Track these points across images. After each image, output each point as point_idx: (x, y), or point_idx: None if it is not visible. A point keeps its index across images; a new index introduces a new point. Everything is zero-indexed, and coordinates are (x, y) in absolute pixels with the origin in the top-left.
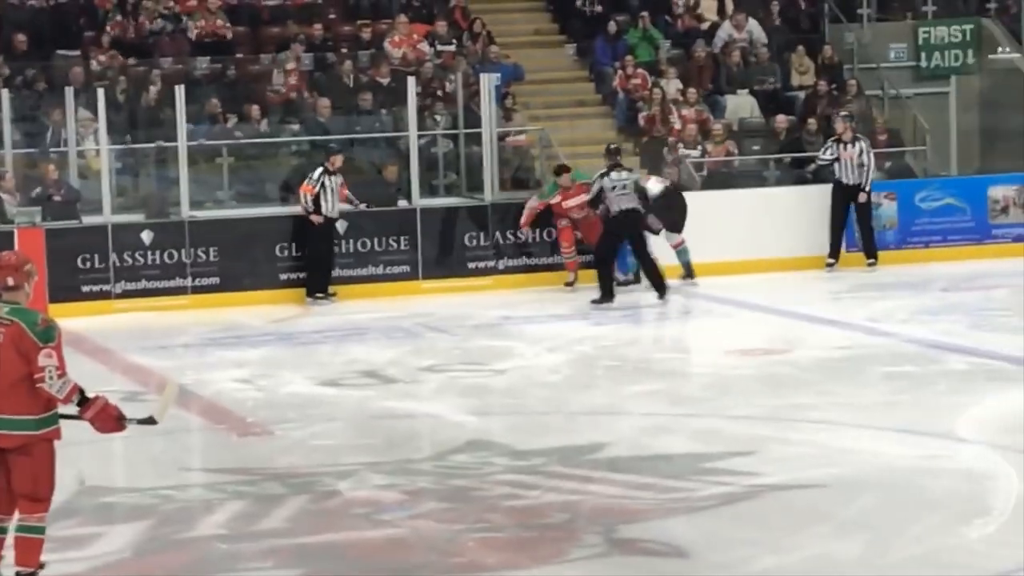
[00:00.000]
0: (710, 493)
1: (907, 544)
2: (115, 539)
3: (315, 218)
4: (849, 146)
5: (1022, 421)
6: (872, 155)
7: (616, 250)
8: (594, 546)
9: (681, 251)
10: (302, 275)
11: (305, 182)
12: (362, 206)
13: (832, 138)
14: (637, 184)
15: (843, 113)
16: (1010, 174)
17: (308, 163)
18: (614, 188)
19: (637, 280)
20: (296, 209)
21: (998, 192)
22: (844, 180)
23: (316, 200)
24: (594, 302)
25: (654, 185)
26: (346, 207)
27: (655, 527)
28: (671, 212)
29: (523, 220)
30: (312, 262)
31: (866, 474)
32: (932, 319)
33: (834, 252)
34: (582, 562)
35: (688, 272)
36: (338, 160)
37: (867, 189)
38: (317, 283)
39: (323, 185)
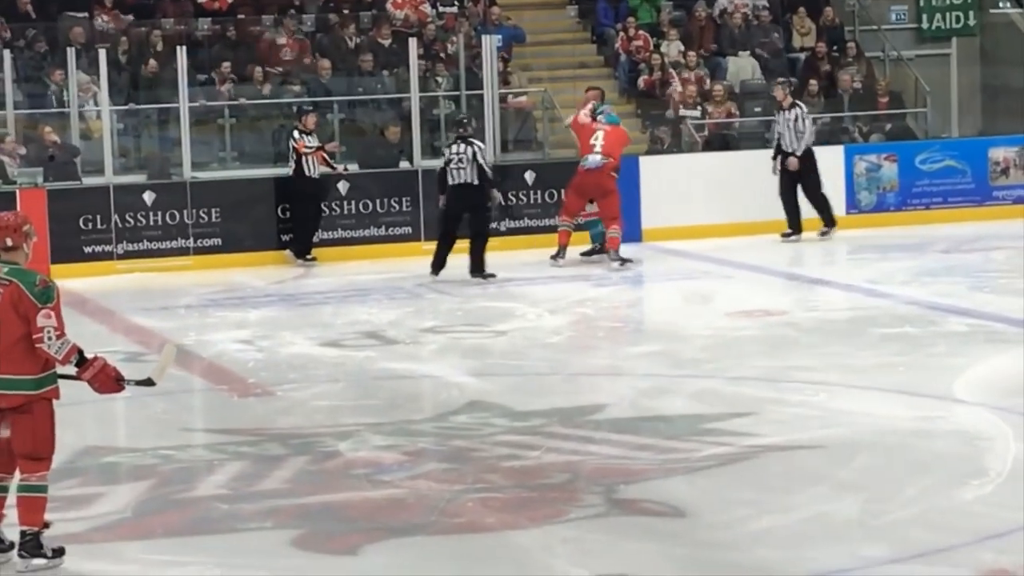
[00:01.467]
0: (709, 454)
1: (903, 505)
2: (116, 499)
3: (331, 146)
4: (786, 112)
5: (1020, 383)
6: (810, 120)
7: (450, 225)
8: (594, 506)
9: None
10: (290, 236)
11: (292, 143)
12: (341, 168)
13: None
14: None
15: (780, 80)
16: (1010, 136)
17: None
18: (450, 161)
19: (603, 250)
20: (284, 171)
21: (999, 154)
22: (785, 147)
23: (298, 162)
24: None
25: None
26: (326, 169)
27: (654, 487)
28: None
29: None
30: (298, 224)
31: (863, 435)
32: (932, 281)
33: (793, 222)
34: (582, 522)
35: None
36: (311, 120)
37: (798, 154)
38: (304, 244)
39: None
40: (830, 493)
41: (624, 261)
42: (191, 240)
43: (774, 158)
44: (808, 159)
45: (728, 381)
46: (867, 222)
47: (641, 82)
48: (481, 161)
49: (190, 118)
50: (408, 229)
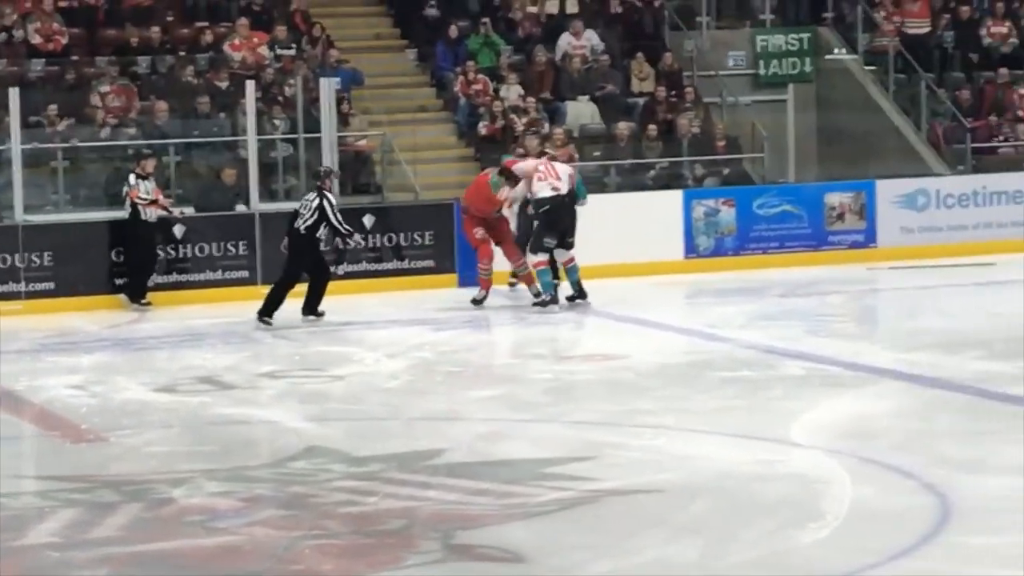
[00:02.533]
0: (548, 498)
1: (742, 548)
2: None
3: (164, 202)
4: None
5: (856, 426)
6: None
7: (296, 271)
8: (431, 552)
9: (572, 269)
10: (125, 280)
11: (127, 188)
12: (177, 212)
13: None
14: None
15: (533, 129)
16: (846, 181)
17: (123, 169)
18: (303, 206)
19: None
20: (119, 214)
21: (834, 199)
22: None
23: (134, 205)
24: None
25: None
26: (162, 213)
27: (493, 533)
28: (553, 225)
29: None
30: (133, 267)
31: (702, 479)
32: (769, 324)
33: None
34: (419, 568)
35: (581, 292)
36: (149, 164)
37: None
38: (138, 288)
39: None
40: (669, 537)
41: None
42: (23, 284)
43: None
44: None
45: (568, 425)
46: (705, 267)
47: (482, 128)
48: (328, 213)
49: (22, 160)
50: (245, 273)
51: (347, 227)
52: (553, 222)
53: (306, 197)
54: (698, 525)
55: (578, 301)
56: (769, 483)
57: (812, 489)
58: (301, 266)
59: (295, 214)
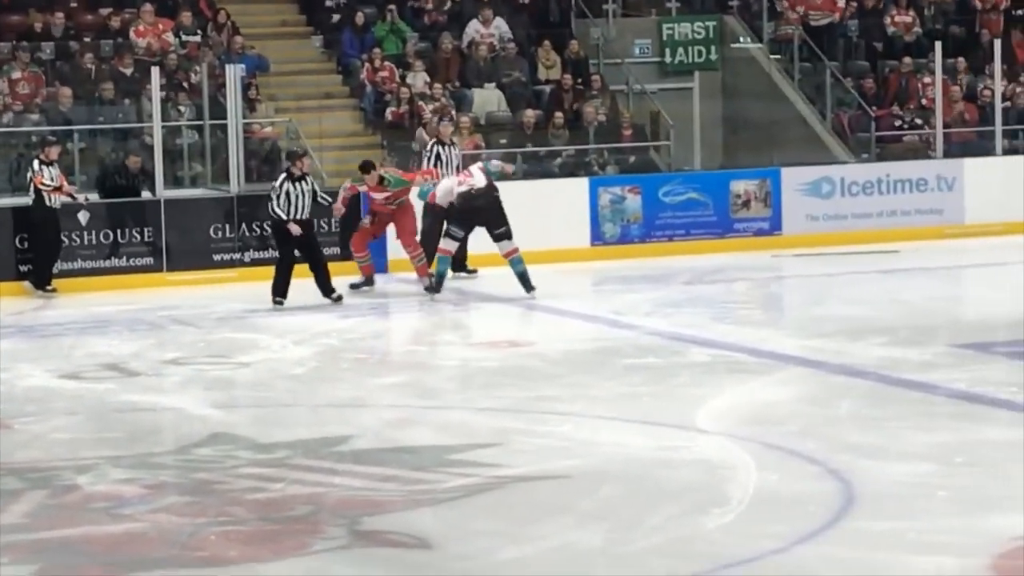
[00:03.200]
0: (454, 485)
1: (647, 534)
2: None
3: (67, 190)
4: (452, 149)
5: (760, 412)
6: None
7: (290, 255)
8: (337, 538)
9: (515, 260)
10: (29, 267)
11: (31, 175)
12: (81, 198)
13: (433, 140)
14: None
15: (447, 118)
16: (751, 169)
17: (27, 155)
18: (290, 192)
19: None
20: (22, 200)
21: (740, 187)
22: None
23: (38, 191)
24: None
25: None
26: (67, 199)
27: (399, 519)
28: (465, 216)
29: (338, 202)
30: (37, 254)
31: (608, 465)
32: (675, 312)
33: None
34: (325, 554)
35: (525, 284)
36: (54, 151)
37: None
38: (43, 275)
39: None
40: (575, 523)
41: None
42: None
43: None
44: None
45: (474, 412)
46: (611, 254)
47: (389, 114)
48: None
49: None
50: (150, 260)
51: (278, 213)
52: (466, 212)
53: (288, 183)
54: (604, 511)
55: (530, 294)
56: (674, 469)
57: (717, 475)
58: (289, 249)
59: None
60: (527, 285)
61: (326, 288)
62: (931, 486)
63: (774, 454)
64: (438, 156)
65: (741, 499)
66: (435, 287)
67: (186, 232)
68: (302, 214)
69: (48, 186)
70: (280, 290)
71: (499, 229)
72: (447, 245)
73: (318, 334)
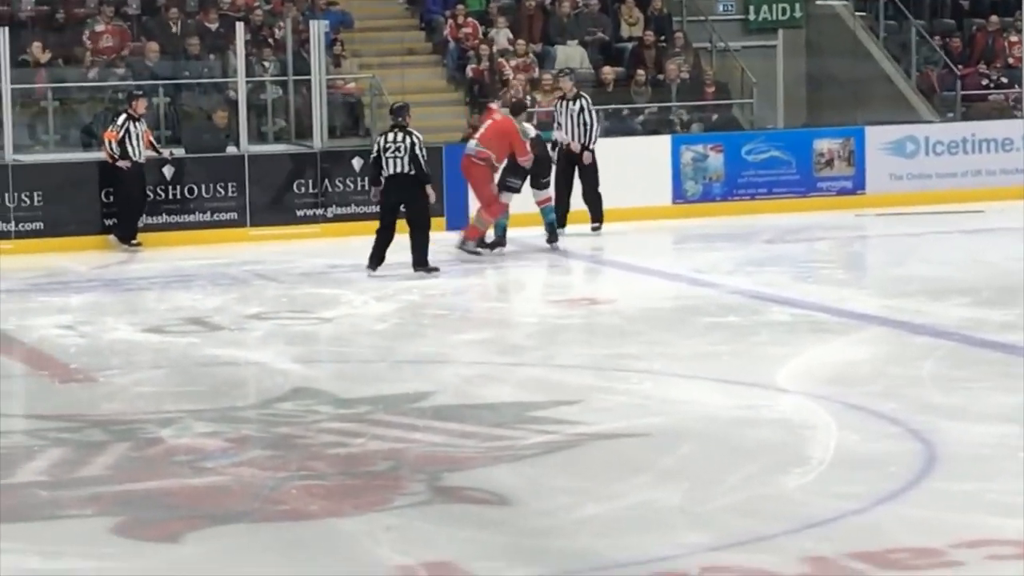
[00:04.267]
0: (534, 442)
1: (726, 492)
2: None
3: (122, 163)
4: (571, 104)
5: (841, 372)
6: (595, 113)
7: (387, 217)
8: (417, 494)
9: (545, 210)
10: (114, 221)
11: (109, 128)
12: (166, 153)
13: (557, 96)
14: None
15: (565, 70)
16: (835, 128)
17: (112, 109)
18: (386, 149)
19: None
20: (102, 155)
21: (823, 145)
22: (561, 139)
23: (121, 145)
24: (369, 267)
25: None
26: (151, 154)
27: (479, 475)
28: (544, 170)
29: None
30: (122, 208)
31: (688, 424)
32: (756, 270)
33: (561, 219)
34: (406, 510)
35: (551, 235)
36: (140, 105)
37: (591, 148)
38: (128, 229)
39: (127, 131)
40: (653, 481)
41: (472, 251)
42: (12, 224)
43: (554, 149)
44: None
45: (554, 369)
46: (693, 212)
47: (470, 71)
48: (418, 152)
49: (12, 100)
50: (234, 215)
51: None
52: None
53: (390, 139)
54: (683, 469)
55: (551, 245)
56: (754, 428)
57: (797, 434)
58: (394, 212)
59: (376, 160)
60: (554, 235)
61: (424, 259)
62: (1011, 447)
63: (855, 414)
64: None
65: (821, 459)
66: (497, 242)
67: (269, 187)
68: (402, 169)
69: (113, 150)
70: (375, 257)
71: (545, 178)
72: (507, 199)
73: (400, 290)
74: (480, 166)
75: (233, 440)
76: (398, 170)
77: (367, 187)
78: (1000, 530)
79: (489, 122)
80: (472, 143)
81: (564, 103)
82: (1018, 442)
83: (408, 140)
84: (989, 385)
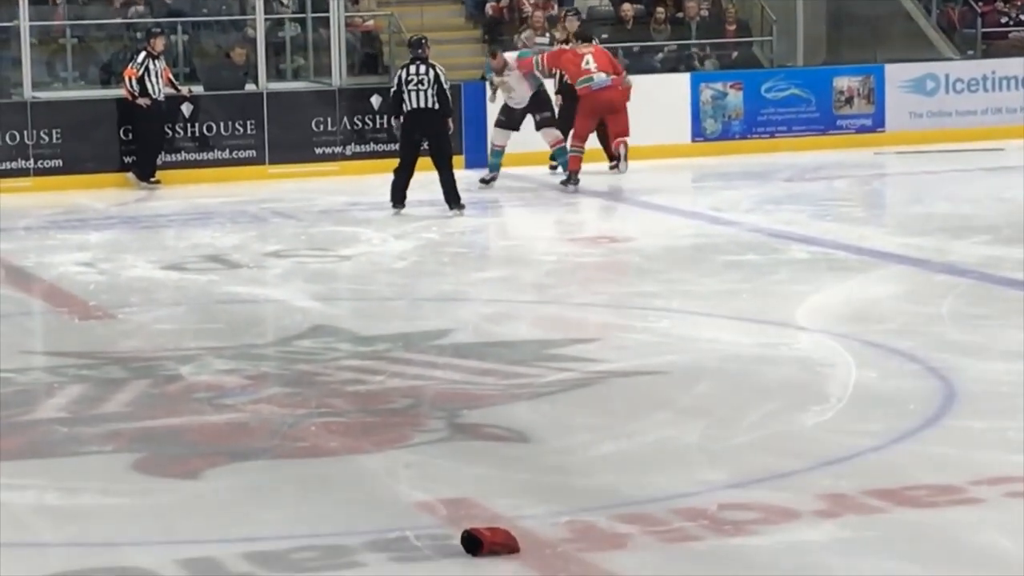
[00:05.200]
0: (553, 379)
1: (745, 430)
2: None
3: (142, 100)
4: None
5: (860, 310)
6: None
7: (410, 152)
8: (437, 431)
9: (559, 151)
10: (133, 158)
11: (128, 65)
12: (185, 90)
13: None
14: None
15: (571, 11)
16: (855, 65)
17: (131, 47)
18: (409, 82)
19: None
20: (122, 92)
21: (843, 83)
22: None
23: (141, 83)
24: (394, 207)
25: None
26: (170, 91)
27: (498, 412)
28: (541, 107)
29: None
30: (141, 146)
31: (706, 361)
32: (775, 208)
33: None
34: (425, 447)
35: (567, 175)
36: (159, 43)
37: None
38: (147, 167)
39: (147, 68)
40: (673, 418)
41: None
42: (31, 161)
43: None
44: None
45: (572, 307)
46: (712, 150)
47: (489, 8)
48: (444, 85)
49: (31, 37)
50: (253, 152)
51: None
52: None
53: (412, 71)
54: (702, 407)
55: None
56: (773, 366)
57: (816, 372)
58: (416, 147)
59: (398, 93)
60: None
61: (456, 196)
62: None
63: (874, 352)
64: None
65: (840, 396)
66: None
67: (288, 125)
68: (427, 103)
69: (133, 87)
70: (397, 195)
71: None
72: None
73: (419, 228)
74: (623, 89)
75: (252, 377)
76: (422, 104)
77: (387, 122)
78: (1019, 467)
79: (590, 52)
80: (602, 76)
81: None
82: None
83: (432, 72)
84: (1008, 323)
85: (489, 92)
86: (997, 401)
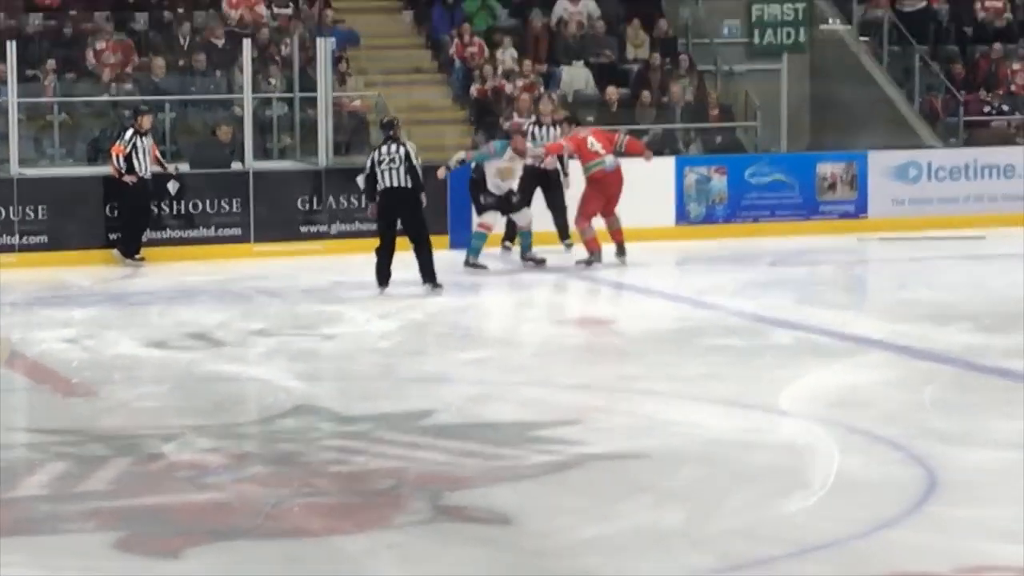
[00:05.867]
0: (536, 461)
1: (728, 515)
2: None
3: (128, 178)
4: (553, 129)
5: (844, 396)
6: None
7: (387, 232)
8: (419, 512)
9: (525, 234)
10: (118, 235)
11: (116, 142)
12: (172, 168)
13: (531, 120)
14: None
15: (550, 93)
16: (838, 152)
17: (118, 124)
18: (380, 162)
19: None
20: (109, 169)
21: (826, 169)
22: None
23: (128, 160)
24: (380, 286)
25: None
26: (157, 169)
27: (480, 494)
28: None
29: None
30: (127, 223)
31: (690, 446)
32: (759, 293)
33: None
34: (407, 528)
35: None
36: (147, 120)
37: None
38: (132, 244)
39: (134, 146)
40: (655, 503)
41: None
42: (17, 237)
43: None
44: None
45: (556, 389)
46: (696, 234)
47: (474, 90)
48: (415, 162)
49: (19, 114)
50: (238, 231)
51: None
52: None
53: (384, 152)
54: (685, 491)
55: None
56: (756, 451)
57: (799, 458)
58: (393, 226)
59: (371, 175)
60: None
61: (432, 273)
62: (1014, 473)
63: (857, 438)
64: (532, 136)
65: (823, 483)
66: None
67: (274, 204)
68: (399, 182)
69: (120, 165)
70: (381, 275)
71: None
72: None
73: (403, 308)
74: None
75: (235, 456)
76: (395, 183)
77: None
78: (1001, 556)
79: (590, 135)
80: (610, 158)
81: (548, 127)
82: (1019, 468)
83: (402, 150)
84: (991, 411)
85: (442, 171)
86: (979, 490)
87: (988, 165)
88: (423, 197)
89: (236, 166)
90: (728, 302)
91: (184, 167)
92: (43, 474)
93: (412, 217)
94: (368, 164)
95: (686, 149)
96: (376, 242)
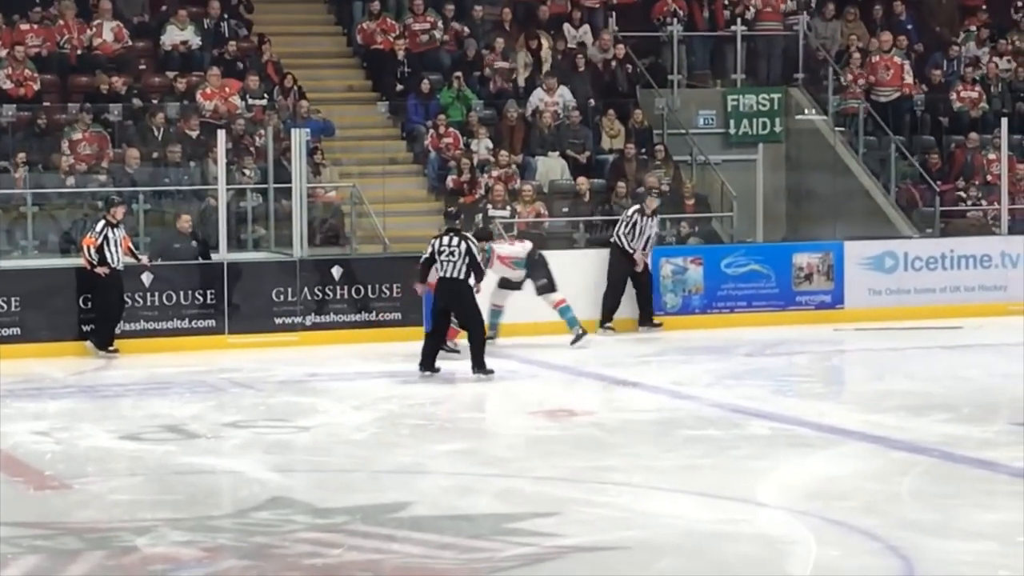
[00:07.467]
0: (512, 554)
1: None
2: None
3: (100, 270)
4: (651, 220)
5: (821, 487)
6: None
7: (440, 319)
8: None
9: (563, 309)
10: (91, 327)
11: (87, 234)
12: (145, 259)
13: (636, 208)
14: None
15: (656, 190)
16: (814, 242)
17: (91, 215)
18: (440, 252)
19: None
20: (81, 261)
21: (802, 259)
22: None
23: (100, 252)
24: (422, 371)
25: (518, 249)
26: (130, 260)
27: None
28: (539, 273)
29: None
30: (100, 314)
31: (667, 537)
32: (736, 384)
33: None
34: None
35: (577, 331)
36: (119, 212)
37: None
38: (105, 336)
39: (106, 237)
40: None
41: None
42: None
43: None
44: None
45: (533, 481)
46: (672, 324)
47: (450, 181)
48: (476, 255)
49: None
50: (212, 322)
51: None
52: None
53: (445, 243)
54: None
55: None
56: (734, 543)
57: (777, 549)
58: (447, 314)
59: (429, 260)
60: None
61: (482, 361)
62: (992, 565)
63: (835, 529)
64: (635, 225)
65: (801, 574)
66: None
67: (248, 295)
68: (455, 273)
69: (91, 256)
70: (426, 360)
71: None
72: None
73: (378, 399)
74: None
75: (209, 549)
76: (452, 274)
77: (348, 293)
78: None
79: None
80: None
81: (647, 217)
82: (997, 559)
83: (463, 245)
84: (968, 502)
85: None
86: None
87: (965, 255)
88: (479, 286)
89: (216, 257)
90: (705, 393)
91: (157, 259)
92: (15, 568)
93: (463, 307)
94: (428, 249)
95: (662, 240)
96: (353, 333)
